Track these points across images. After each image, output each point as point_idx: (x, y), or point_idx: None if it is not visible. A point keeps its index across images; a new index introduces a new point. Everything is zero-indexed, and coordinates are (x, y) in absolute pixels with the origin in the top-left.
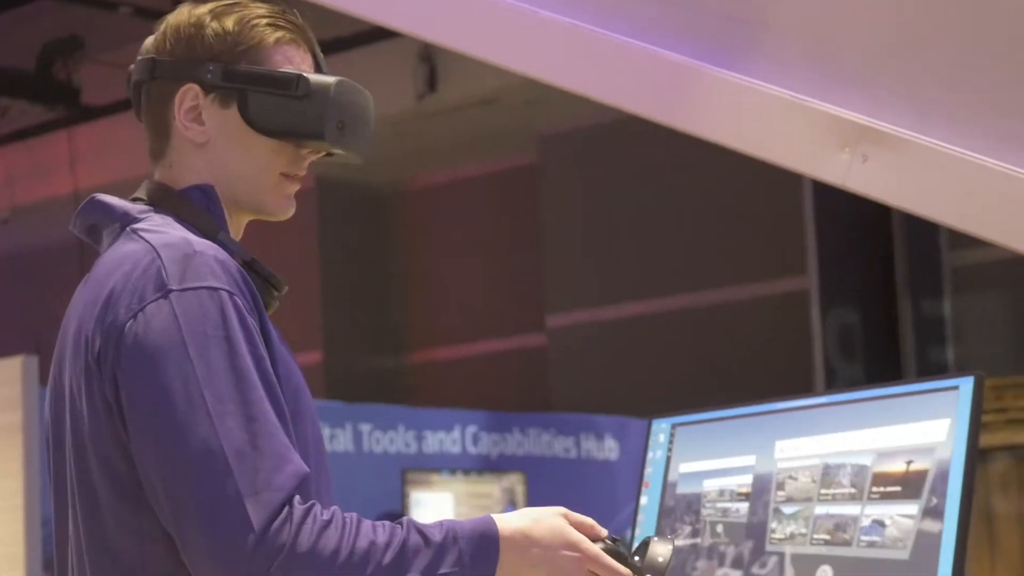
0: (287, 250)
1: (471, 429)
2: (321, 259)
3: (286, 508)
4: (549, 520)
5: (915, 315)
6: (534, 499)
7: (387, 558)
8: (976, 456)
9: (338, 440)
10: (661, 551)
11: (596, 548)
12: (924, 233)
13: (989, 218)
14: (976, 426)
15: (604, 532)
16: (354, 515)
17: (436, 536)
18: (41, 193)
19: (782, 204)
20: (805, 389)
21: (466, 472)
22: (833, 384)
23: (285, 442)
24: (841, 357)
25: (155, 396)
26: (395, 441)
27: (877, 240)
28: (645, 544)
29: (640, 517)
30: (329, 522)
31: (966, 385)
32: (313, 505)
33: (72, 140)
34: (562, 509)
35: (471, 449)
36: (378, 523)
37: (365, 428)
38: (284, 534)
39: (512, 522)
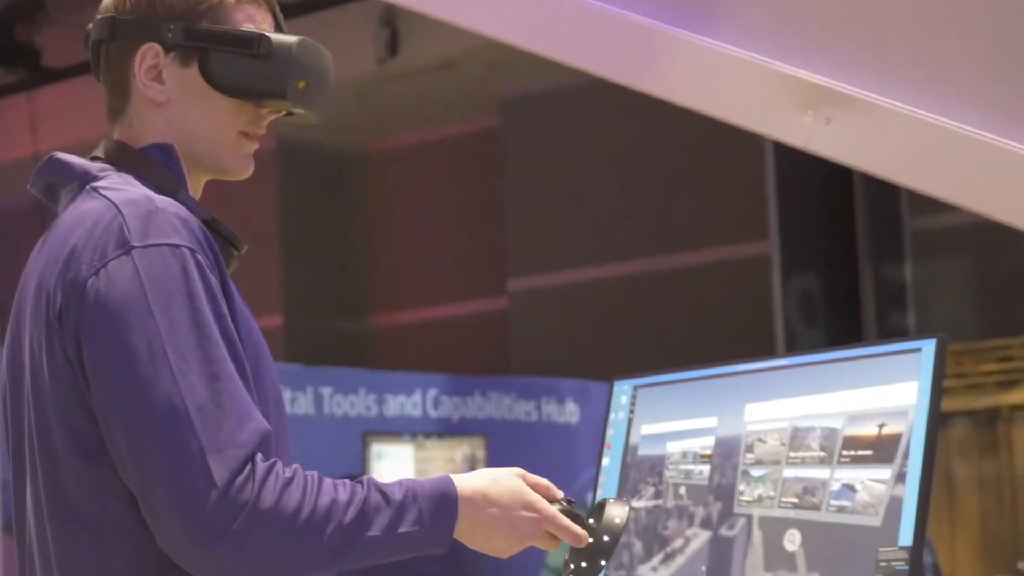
0: (247, 213)
1: (432, 393)
2: (282, 222)
3: (249, 465)
4: (507, 481)
5: (876, 280)
6: (494, 463)
7: (348, 516)
8: (938, 418)
9: (299, 403)
10: (617, 513)
11: (553, 509)
12: (885, 198)
13: (952, 181)
14: (939, 388)
15: (560, 494)
16: (315, 473)
17: (396, 495)
18: (1, 156)
19: (744, 168)
20: (766, 354)
21: (427, 436)
22: (794, 349)
23: (247, 399)
24: (802, 322)
25: (118, 353)
26: (356, 404)
27: (839, 205)
28: (601, 506)
29: (602, 479)
30: (291, 479)
31: (928, 347)
32: (275, 462)
33: (33, 103)
34: (519, 470)
35: (432, 413)
36: (339, 481)
37: (326, 391)
38: (247, 491)
39: (470, 482)
